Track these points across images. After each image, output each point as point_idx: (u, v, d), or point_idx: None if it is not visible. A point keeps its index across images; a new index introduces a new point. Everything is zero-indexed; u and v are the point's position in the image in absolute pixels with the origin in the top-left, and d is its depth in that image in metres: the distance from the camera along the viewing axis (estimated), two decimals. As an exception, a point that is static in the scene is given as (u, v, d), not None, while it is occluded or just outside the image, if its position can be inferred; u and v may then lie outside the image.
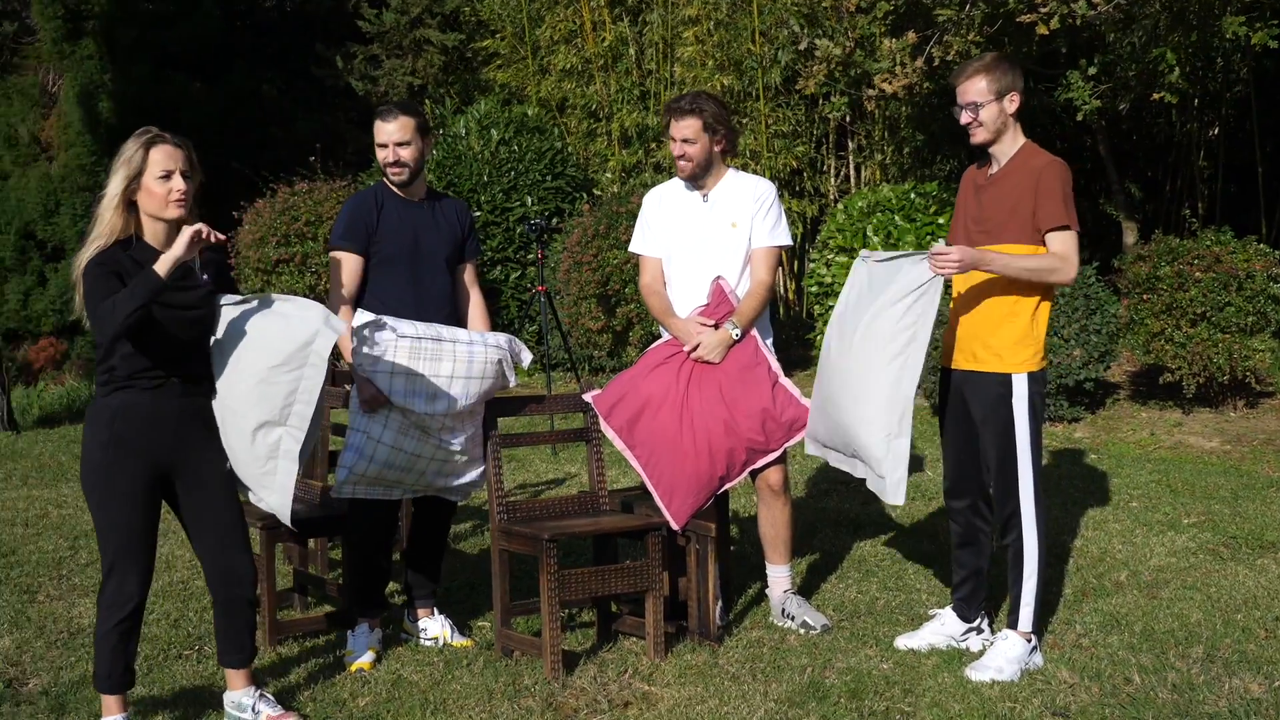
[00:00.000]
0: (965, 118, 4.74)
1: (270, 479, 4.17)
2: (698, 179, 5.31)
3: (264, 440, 4.13)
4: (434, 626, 5.14)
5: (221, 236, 4.05)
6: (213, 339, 4.17)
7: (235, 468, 4.20)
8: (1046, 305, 4.73)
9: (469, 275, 5.30)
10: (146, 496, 4.05)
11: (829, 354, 4.96)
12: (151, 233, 4.08)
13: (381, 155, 5.07)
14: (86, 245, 4.03)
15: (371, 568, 5.04)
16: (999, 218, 4.68)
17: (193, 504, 4.16)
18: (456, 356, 4.86)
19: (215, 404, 4.16)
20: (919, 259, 4.67)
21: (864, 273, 4.92)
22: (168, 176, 4.04)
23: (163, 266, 3.90)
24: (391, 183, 5.11)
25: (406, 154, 5.04)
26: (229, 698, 4.29)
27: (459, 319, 5.22)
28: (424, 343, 4.82)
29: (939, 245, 4.60)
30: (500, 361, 4.97)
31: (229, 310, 4.18)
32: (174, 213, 4.05)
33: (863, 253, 5.02)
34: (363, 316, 4.78)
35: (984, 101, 4.68)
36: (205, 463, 4.15)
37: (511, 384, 5.07)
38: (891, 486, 4.71)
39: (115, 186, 4.02)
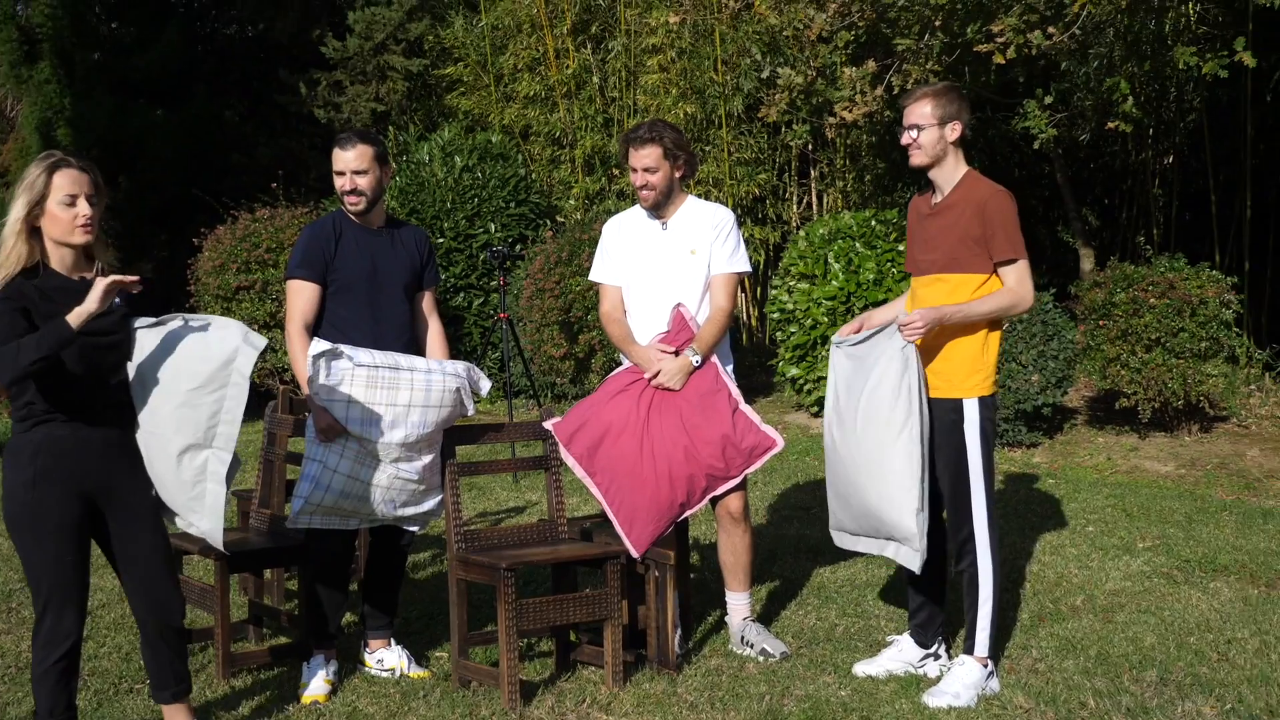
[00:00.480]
0: (905, 138, 4.85)
1: (199, 503, 4.13)
2: (659, 207, 5.33)
3: (190, 464, 4.08)
4: (391, 657, 5.11)
5: (136, 281, 3.91)
6: (131, 364, 4.09)
7: (162, 494, 4.15)
8: (997, 331, 4.79)
9: (428, 303, 5.30)
10: (76, 530, 3.95)
11: (834, 446, 4.95)
12: (58, 259, 3.98)
13: (339, 183, 5.07)
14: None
15: (328, 598, 5.02)
16: (947, 247, 4.75)
17: (121, 534, 4.07)
18: (414, 385, 4.85)
19: (138, 431, 4.09)
20: (889, 333, 4.76)
21: (842, 358, 4.97)
22: (72, 202, 3.93)
23: (75, 319, 3.80)
24: (349, 211, 5.11)
25: (364, 183, 5.04)
26: None
27: (418, 347, 5.21)
28: (381, 371, 4.81)
29: (904, 316, 4.72)
30: (458, 390, 4.97)
31: (145, 334, 4.12)
32: (81, 238, 3.96)
33: (834, 338, 5.06)
34: (319, 345, 4.77)
35: (925, 125, 4.77)
36: (132, 492, 4.07)
37: (470, 412, 5.07)
38: (923, 556, 4.73)
39: (18, 212, 3.90)
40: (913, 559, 4.74)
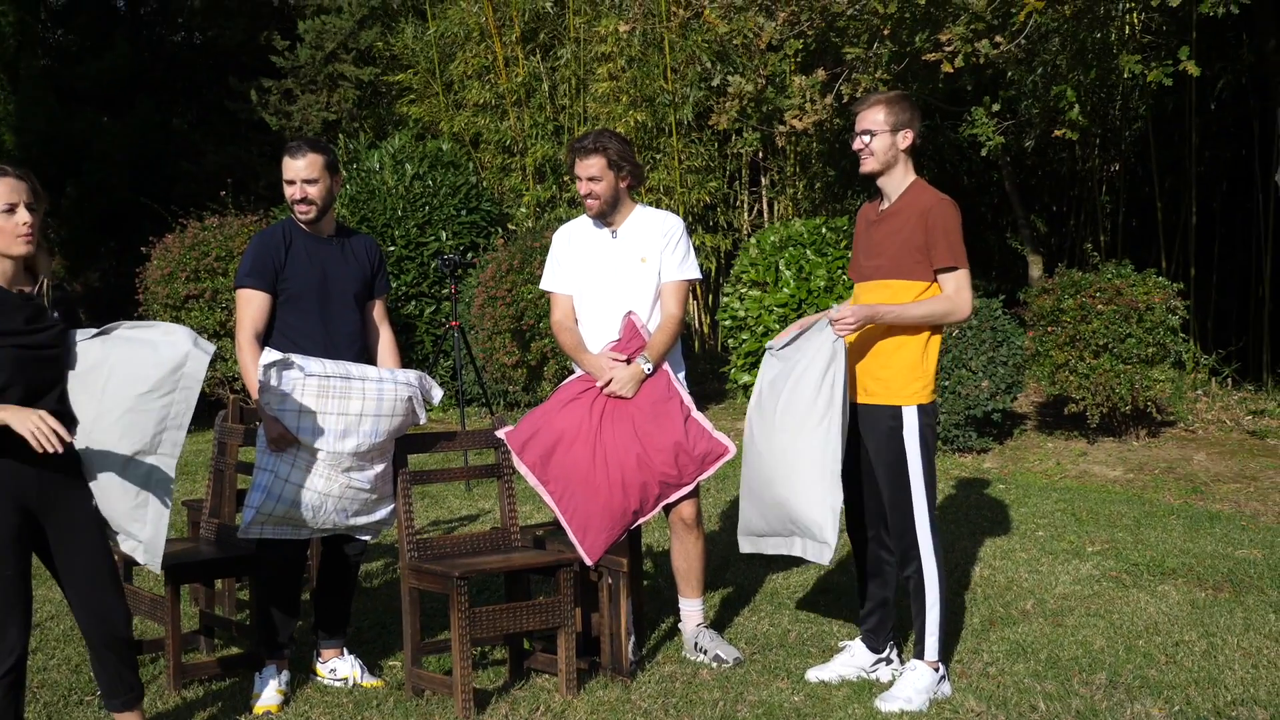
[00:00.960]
0: (857, 144, 4.87)
1: (142, 512, 4.05)
2: (605, 215, 5.35)
3: (135, 472, 4.01)
4: (343, 667, 5.09)
5: (64, 439, 3.75)
6: (70, 376, 4.00)
7: (103, 506, 4.06)
8: (937, 338, 4.83)
9: (379, 312, 5.28)
10: (16, 545, 3.88)
11: (753, 440, 5.01)
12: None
13: (289, 192, 5.04)
14: None
15: (279, 608, 4.98)
16: (890, 254, 4.79)
17: (62, 547, 4.01)
18: (365, 394, 4.84)
19: (79, 441, 4.00)
20: (820, 327, 4.81)
21: (772, 362, 5.03)
22: (11, 210, 3.87)
23: None
24: (299, 220, 5.08)
25: (314, 191, 5.01)
26: None
27: (369, 356, 5.19)
28: (332, 381, 4.79)
29: (834, 310, 4.76)
30: (410, 399, 4.95)
31: (87, 345, 4.04)
32: (21, 249, 3.89)
33: (768, 345, 5.11)
34: (270, 355, 4.75)
35: (878, 131, 4.80)
36: (72, 503, 4.01)
37: (422, 421, 5.05)
38: (832, 549, 4.77)
39: None
40: (821, 552, 4.78)
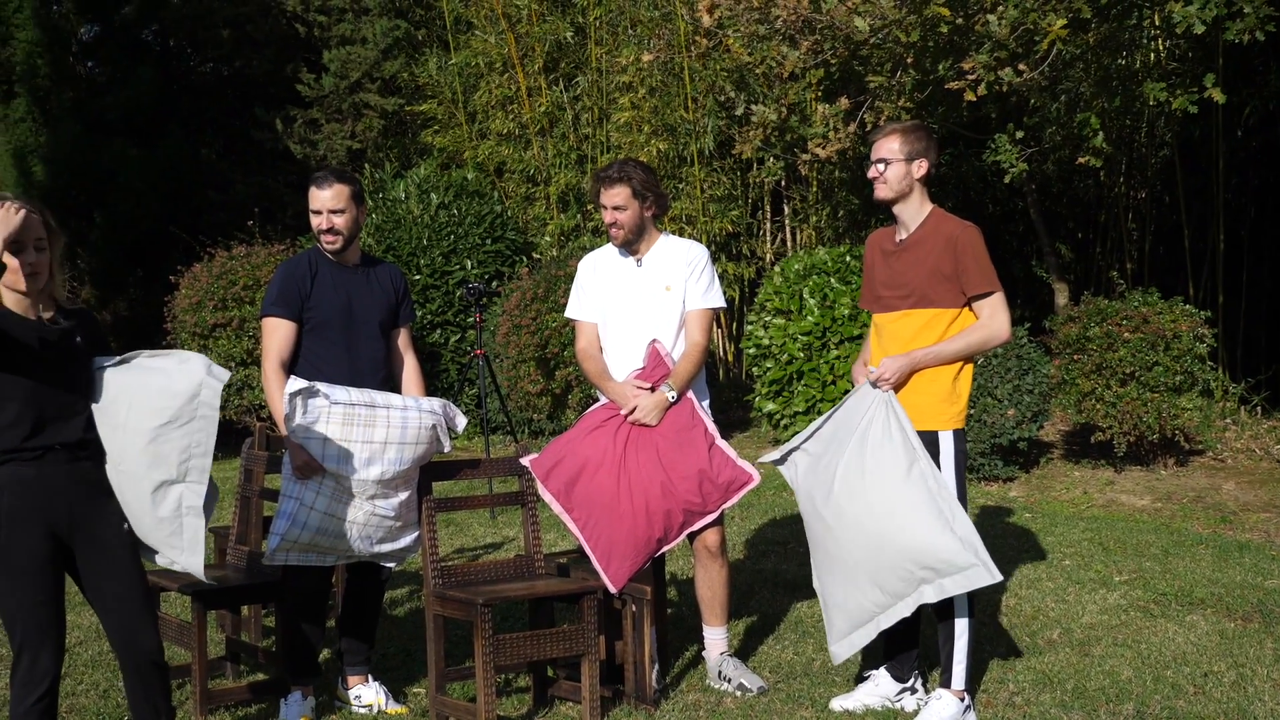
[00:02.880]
0: (872, 172, 4.89)
1: (178, 539, 4.11)
2: (630, 245, 5.36)
3: (165, 500, 4.06)
4: (368, 693, 5.09)
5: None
6: (95, 403, 4.07)
7: (138, 531, 4.11)
8: (970, 364, 4.82)
9: (403, 340, 5.30)
10: (48, 569, 3.93)
11: (828, 530, 4.78)
12: (14, 300, 3.97)
13: (315, 222, 5.09)
14: None
15: (305, 634, 5.00)
16: (916, 283, 4.78)
17: (93, 571, 4.05)
18: (390, 422, 4.86)
19: (109, 469, 4.07)
20: (863, 392, 4.79)
21: (797, 459, 4.97)
22: (20, 248, 3.90)
23: None
24: (325, 250, 5.12)
25: (340, 222, 5.05)
26: None
27: (393, 384, 5.22)
28: (357, 409, 4.82)
29: (873, 371, 4.77)
30: (434, 427, 4.97)
31: (108, 373, 4.10)
32: (24, 286, 3.93)
33: (767, 458, 5.08)
34: (296, 383, 4.78)
35: (892, 160, 4.82)
36: (103, 528, 4.05)
37: (446, 449, 5.07)
38: (984, 564, 4.53)
39: None
40: (975, 576, 4.52)
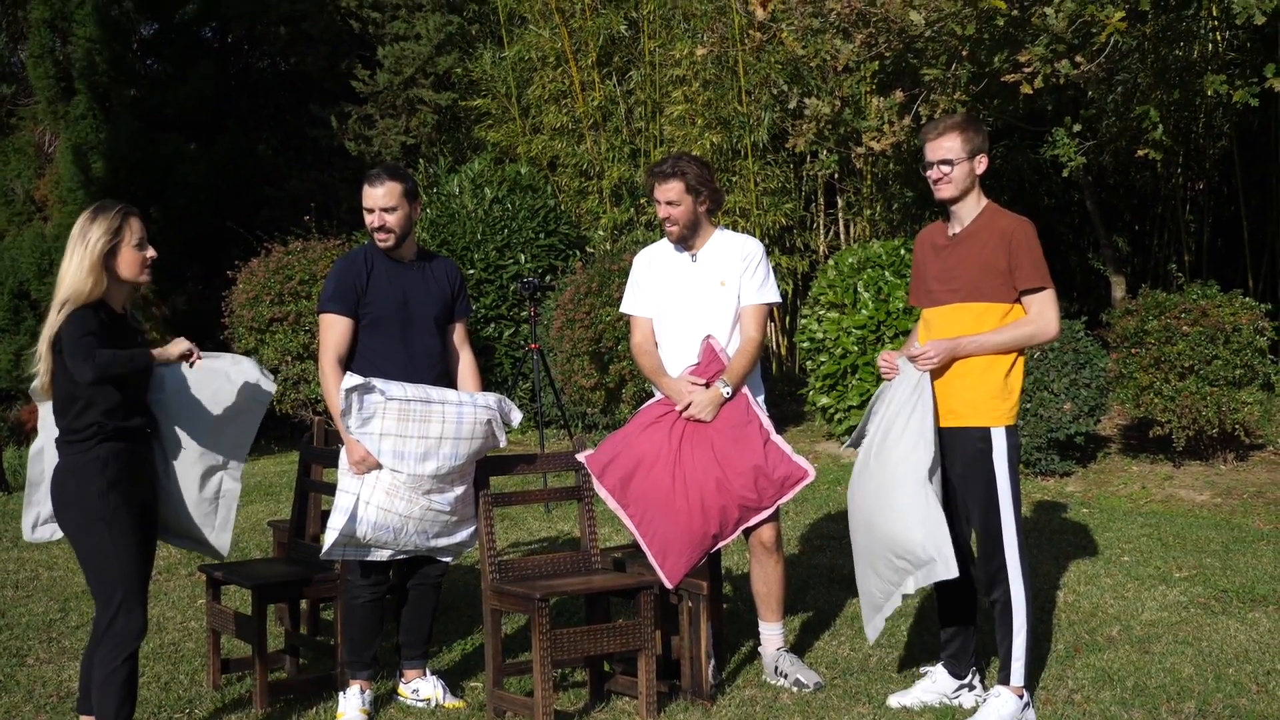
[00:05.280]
0: (935, 174, 4.83)
1: (212, 519, 4.65)
2: (685, 240, 5.37)
3: (208, 484, 4.61)
4: (426, 687, 5.13)
5: (200, 356, 4.46)
6: (154, 396, 4.52)
7: (176, 510, 4.58)
8: (1022, 359, 4.80)
9: (459, 335, 5.32)
10: (138, 536, 4.30)
11: (852, 516, 4.93)
12: (114, 295, 4.36)
13: (369, 220, 5.12)
14: (62, 305, 4.22)
15: (363, 629, 5.04)
16: (969, 277, 4.75)
17: (147, 545, 4.47)
18: (445, 418, 4.90)
19: (159, 454, 4.55)
20: (902, 367, 4.81)
21: (863, 447, 4.98)
22: (142, 245, 4.38)
23: (154, 357, 4.31)
24: (379, 246, 5.15)
25: (393, 220, 5.07)
26: None
27: (449, 379, 5.24)
28: (413, 404, 4.86)
29: (916, 349, 4.76)
30: (490, 422, 5.00)
31: (166, 369, 4.53)
32: (146, 278, 4.42)
33: (848, 445, 5.11)
34: (351, 379, 4.83)
35: (956, 160, 4.77)
36: (158, 508, 4.54)
37: (501, 444, 5.10)
38: (943, 559, 4.59)
39: (98, 249, 4.26)
40: (940, 570, 4.59)
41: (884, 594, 4.79)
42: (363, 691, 4.99)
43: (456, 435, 4.91)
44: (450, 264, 5.38)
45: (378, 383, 4.85)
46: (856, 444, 5.01)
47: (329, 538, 4.88)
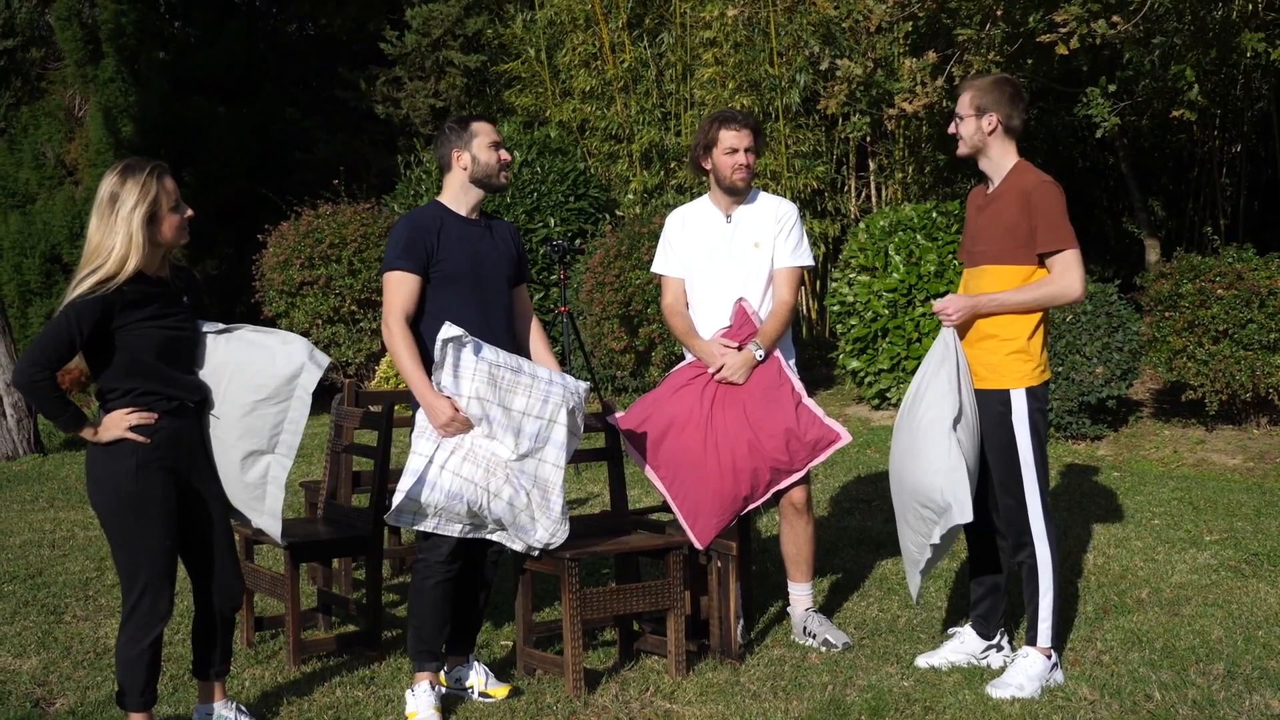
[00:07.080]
0: (951, 128, 4.92)
1: (259, 503, 4.31)
2: (744, 193, 5.34)
3: (252, 468, 4.27)
4: (470, 674, 4.86)
5: (147, 424, 4.08)
6: (200, 368, 4.24)
7: (226, 490, 4.31)
8: (1044, 321, 4.78)
9: (524, 298, 5.04)
10: (172, 517, 4.13)
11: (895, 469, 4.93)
12: (151, 260, 4.09)
13: (498, 156, 4.86)
14: (87, 275, 4.00)
15: (434, 614, 4.69)
16: (993, 238, 4.75)
17: (198, 522, 4.26)
18: (532, 393, 4.59)
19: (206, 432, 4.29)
20: (943, 334, 4.79)
21: (901, 406, 4.98)
22: (177, 207, 4.12)
23: (86, 432, 4.05)
24: (494, 187, 4.89)
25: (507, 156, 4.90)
26: (214, 709, 4.40)
27: (518, 343, 4.93)
28: (502, 370, 4.56)
29: (936, 302, 4.77)
30: (574, 410, 4.65)
31: (213, 340, 4.26)
32: (186, 238, 4.18)
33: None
34: (450, 329, 4.49)
35: (964, 115, 4.80)
36: (208, 482, 4.27)
37: (579, 438, 4.76)
38: (958, 506, 4.56)
39: (138, 220, 4.00)
40: (955, 515, 4.56)
41: (918, 548, 4.79)
42: (433, 687, 4.61)
43: (540, 414, 4.59)
44: (510, 226, 5.06)
45: (472, 340, 4.54)
46: None
47: (396, 500, 4.51)
